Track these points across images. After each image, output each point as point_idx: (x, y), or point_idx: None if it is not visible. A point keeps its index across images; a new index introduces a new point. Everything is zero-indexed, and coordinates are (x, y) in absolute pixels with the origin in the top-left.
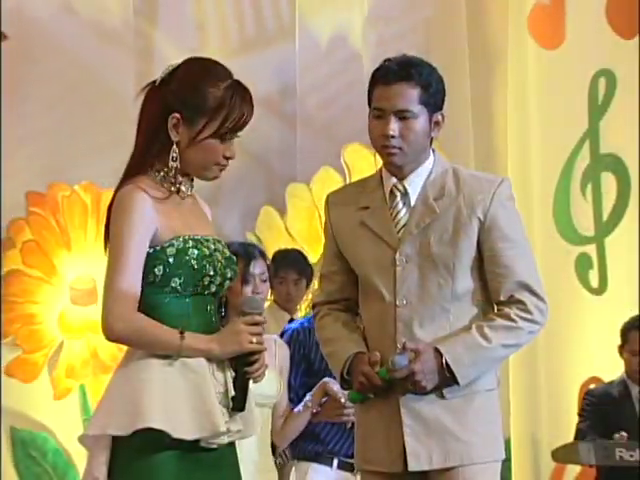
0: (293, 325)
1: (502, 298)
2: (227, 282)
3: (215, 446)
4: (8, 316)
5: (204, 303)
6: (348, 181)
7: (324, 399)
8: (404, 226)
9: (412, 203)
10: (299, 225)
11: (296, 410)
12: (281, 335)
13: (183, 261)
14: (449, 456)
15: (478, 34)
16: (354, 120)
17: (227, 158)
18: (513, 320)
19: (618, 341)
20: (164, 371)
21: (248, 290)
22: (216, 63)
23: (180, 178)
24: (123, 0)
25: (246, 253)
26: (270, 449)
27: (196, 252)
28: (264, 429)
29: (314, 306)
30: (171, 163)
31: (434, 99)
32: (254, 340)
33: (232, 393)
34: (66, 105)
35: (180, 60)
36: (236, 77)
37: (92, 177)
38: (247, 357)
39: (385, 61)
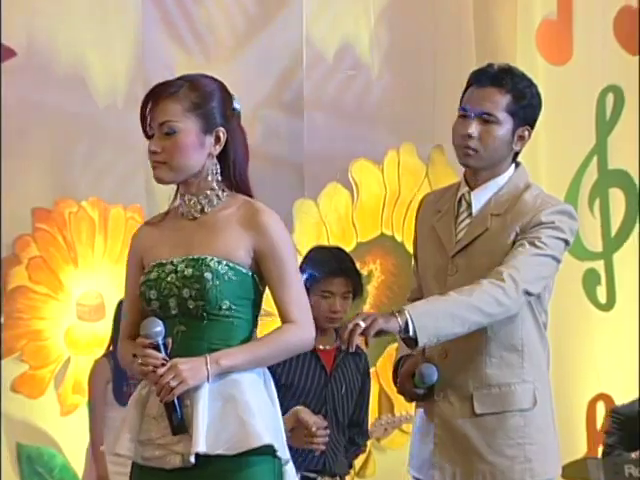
0: None
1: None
2: (191, 302)
3: (168, 467)
4: (14, 332)
5: (171, 326)
6: (356, 197)
7: (295, 425)
8: (462, 236)
9: (473, 215)
10: (307, 241)
11: None
12: None
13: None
14: (472, 475)
15: (485, 49)
16: (362, 135)
17: (150, 153)
18: (480, 282)
19: (627, 357)
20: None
21: None
22: None
23: (178, 198)
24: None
25: None
26: None
27: (143, 278)
28: None
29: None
30: None
31: (524, 112)
32: (138, 361)
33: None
34: None
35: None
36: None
37: (99, 193)
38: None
39: (487, 65)
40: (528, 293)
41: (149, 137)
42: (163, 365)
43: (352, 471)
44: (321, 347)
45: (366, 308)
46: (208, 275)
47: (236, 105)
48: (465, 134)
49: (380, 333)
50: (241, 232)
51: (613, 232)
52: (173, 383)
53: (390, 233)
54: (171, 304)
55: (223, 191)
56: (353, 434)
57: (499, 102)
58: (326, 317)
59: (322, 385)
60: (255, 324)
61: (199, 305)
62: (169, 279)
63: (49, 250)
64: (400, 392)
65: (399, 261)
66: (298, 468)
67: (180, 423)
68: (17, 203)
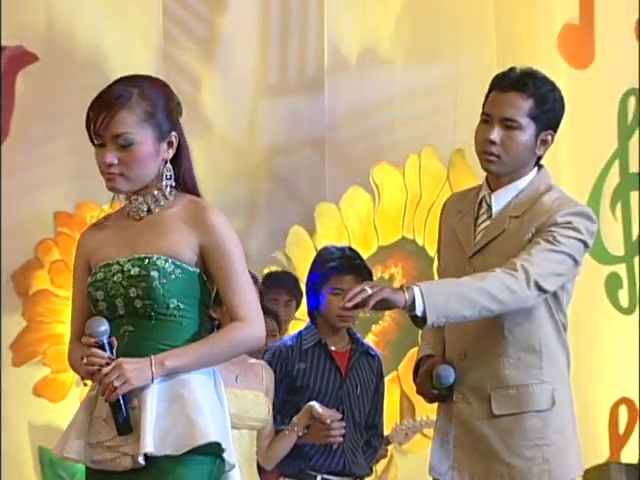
0: (276, 343)
1: None
2: (139, 301)
3: (119, 469)
4: (36, 336)
5: (119, 326)
6: (377, 201)
7: (310, 422)
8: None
9: (493, 217)
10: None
11: (282, 432)
12: (264, 353)
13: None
14: (490, 477)
15: (507, 52)
16: (382, 139)
17: (104, 165)
18: (493, 270)
19: None
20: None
21: None
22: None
23: (125, 200)
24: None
25: None
26: (256, 469)
27: (90, 279)
28: (251, 450)
29: None
30: None
31: (546, 116)
32: (83, 361)
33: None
34: None
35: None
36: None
37: (120, 197)
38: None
39: (509, 69)
40: (540, 287)
41: (98, 145)
42: (108, 364)
43: (374, 475)
44: (335, 348)
45: (387, 312)
46: (154, 274)
47: (178, 101)
48: (487, 140)
49: (384, 305)
50: (187, 230)
51: (635, 236)
52: (117, 383)
53: (411, 237)
54: (118, 304)
55: (170, 191)
56: (369, 436)
57: (521, 107)
58: (337, 316)
59: (338, 386)
60: (203, 323)
61: (146, 304)
62: (115, 279)
63: (71, 254)
64: (419, 392)
65: (420, 265)
66: (318, 470)
67: (125, 423)
68: (39, 207)
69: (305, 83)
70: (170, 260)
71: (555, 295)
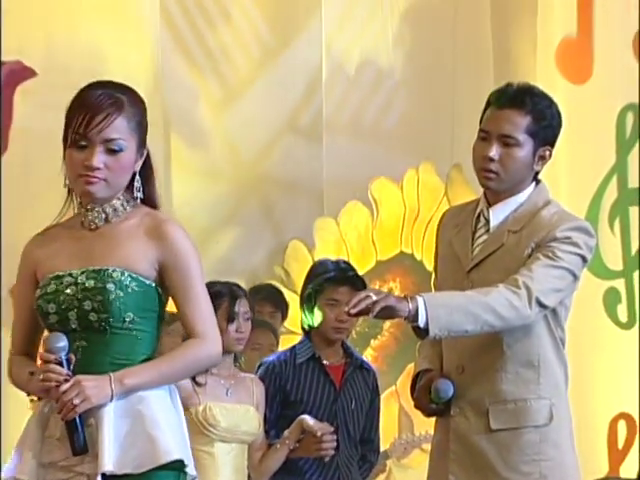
0: (270, 358)
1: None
2: (94, 315)
3: None
4: None
5: (71, 341)
6: (375, 215)
7: (301, 436)
8: (478, 252)
9: (491, 231)
10: None
11: (273, 446)
12: (258, 367)
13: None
14: None
15: (504, 67)
16: (381, 154)
17: (87, 167)
18: (497, 285)
19: None
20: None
21: (232, 328)
22: (98, 80)
23: (81, 208)
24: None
25: (231, 292)
26: None
27: (39, 292)
28: (242, 464)
29: None
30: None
31: (544, 132)
32: (40, 377)
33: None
34: None
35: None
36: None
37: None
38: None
39: (506, 84)
40: (541, 304)
41: (78, 146)
42: (67, 381)
43: None
44: (329, 362)
45: (386, 326)
46: (111, 286)
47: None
48: (486, 157)
49: (388, 313)
50: (145, 243)
51: (633, 251)
52: (76, 400)
53: (410, 251)
54: (71, 317)
55: (128, 201)
56: (365, 451)
57: (519, 124)
58: (333, 327)
59: (332, 400)
60: (159, 337)
61: (102, 318)
62: (68, 291)
63: None
64: (417, 407)
65: (418, 279)
66: None
67: (81, 443)
68: (38, 223)
69: (303, 94)
70: (126, 273)
71: (554, 311)
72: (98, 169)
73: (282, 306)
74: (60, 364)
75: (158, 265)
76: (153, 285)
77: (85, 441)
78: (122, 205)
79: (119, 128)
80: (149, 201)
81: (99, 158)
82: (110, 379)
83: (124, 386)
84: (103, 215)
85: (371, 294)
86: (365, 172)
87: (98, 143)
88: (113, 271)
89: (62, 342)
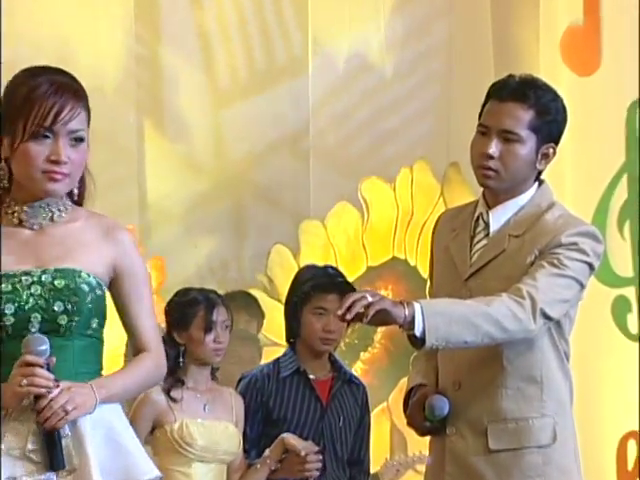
0: (252, 372)
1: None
2: (64, 317)
3: None
4: None
5: None
6: (366, 218)
7: (284, 455)
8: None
9: (490, 236)
10: None
11: (253, 466)
12: (238, 381)
13: None
14: None
15: (505, 58)
16: (372, 152)
17: (54, 162)
18: (499, 295)
19: None
20: None
21: (210, 338)
22: (39, 67)
23: (15, 206)
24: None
25: (207, 300)
26: None
27: None
28: None
29: None
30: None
31: (548, 128)
32: (24, 382)
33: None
34: None
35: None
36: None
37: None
38: (36, 404)
39: (508, 76)
40: (546, 316)
41: (37, 137)
42: (55, 387)
43: None
44: (315, 376)
45: (377, 338)
46: (85, 287)
47: None
48: (485, 153)
49: (382, 318)
50: (100, 247)
51: None
52: (69, 407)
53: (403, 257)
54: (33, 320)
55: (67, 200)
56: (354, 473)
57: (521, 118)
58: (320, 338)
59: (318, 417)
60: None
61: (72, 320)
62: (32, 291)
63: None
64: (410, 425)
65: (412, 287)
66: None
67: (62, 457)
68: None
69: (289, 89)
70: (91, 275)
71: (558, 322)
72: (66, 163)
73: (258, 315)
74: (48, 369)
75: (113, 271)
76: (106, 291)
77: (63, 455)
78: (64, 205)
79: (82, 119)
80: (81, 200)
81: (66, 151)
82: (92, 387)
83: (103, 396)
84: (49, 214)
85: (367, 295)
86: (355, 171)
87: (63, 135)
88: (81, 271)
89: (44, 345)
